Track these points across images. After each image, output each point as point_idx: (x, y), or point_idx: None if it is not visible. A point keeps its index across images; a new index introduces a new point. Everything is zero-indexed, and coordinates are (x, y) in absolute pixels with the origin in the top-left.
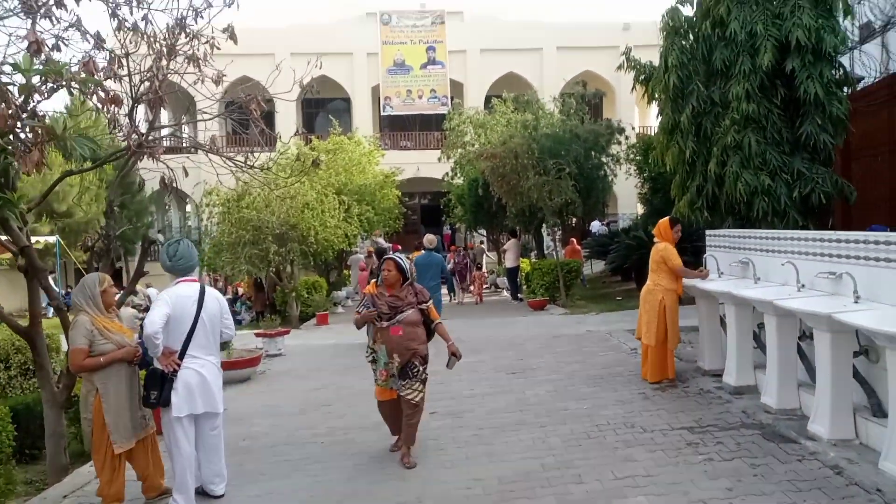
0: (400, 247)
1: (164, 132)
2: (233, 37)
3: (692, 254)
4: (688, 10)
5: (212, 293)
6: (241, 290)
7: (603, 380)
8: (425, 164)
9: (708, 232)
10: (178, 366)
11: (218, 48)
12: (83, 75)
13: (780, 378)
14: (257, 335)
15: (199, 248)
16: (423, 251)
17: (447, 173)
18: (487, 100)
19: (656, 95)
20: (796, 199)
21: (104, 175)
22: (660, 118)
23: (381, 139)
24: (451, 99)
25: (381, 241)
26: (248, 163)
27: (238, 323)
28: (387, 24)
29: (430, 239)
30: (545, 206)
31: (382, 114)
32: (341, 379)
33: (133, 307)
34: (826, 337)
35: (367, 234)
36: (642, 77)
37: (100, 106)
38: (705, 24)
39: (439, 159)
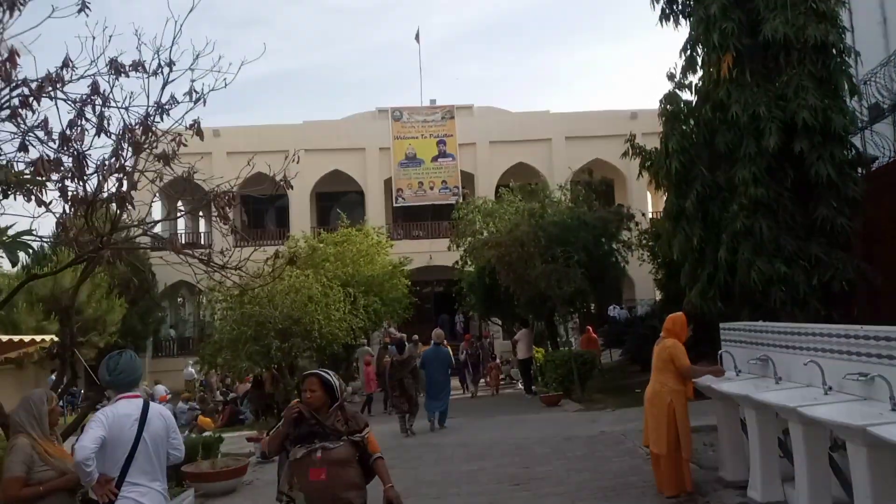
0: (416, 336)
1: (136, 231)
2: (199, 133)
3: (709, 344)
4: (686, 95)
5: (156, 409)
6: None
7: (615, 493)
8: (438, 252)
9: (722, 325)
10: (115, 495)
11: (185, 144)
12: (27, 175)
13: (811, 496)
14: (249, 440)
15: (202, 345)
16: (431, 345)
17: (457, 262)
18: (497, 189)
19: (661, 182)
20: (816, 287)
21: (116, 272)
22: (664, 205)
23: (393, 229)
24: (462, 189)
25: (394, 330)
26: (220, 261)
27: (241, 422)
28: (398, 120)
29: (438, 333)
30: (554, 294)
31: (395, 205)
32: None
33: None
34: (862, 452)
35: (374, 325)
36: (648, 163)
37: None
38: (705, 108)
39: (449, 248)
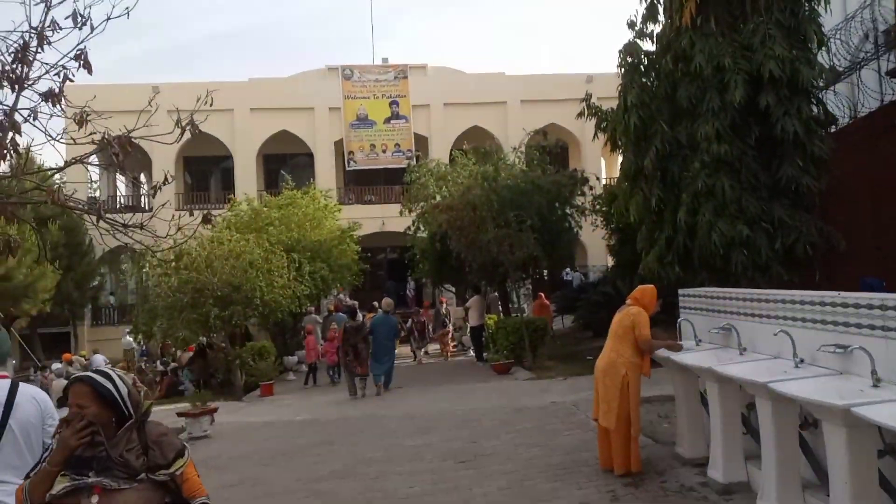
0: (357, 302)
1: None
2: (86, 65)
3: (666, 311)
4: (648, 45)
5: (27, 391)
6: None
7: (566, 471)
8: (390, 217)
9: (681, 292)
10: None
11: (71, 79)
12: None
13: (779, 478)
14: (179, 415)
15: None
16: (379, 312)
17: (409, 227)
18: (451, 153)
19: (618, 141)
20: (779, 251)
21: (50, 237)
22: (621, 164)
23: (344, 194)
24: (416, 153)
25: (344, 297)
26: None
27: (181, 393)
28: (349, 79)
29: (387, 302)
30: (507, 259)
31: (347, 168)
32: (262, 472)
33: (67, 378)
34: (841, 433)
35: (322, 292)
36: (604, 124)
37: None
38: (667, 58)
39: (401, 213)
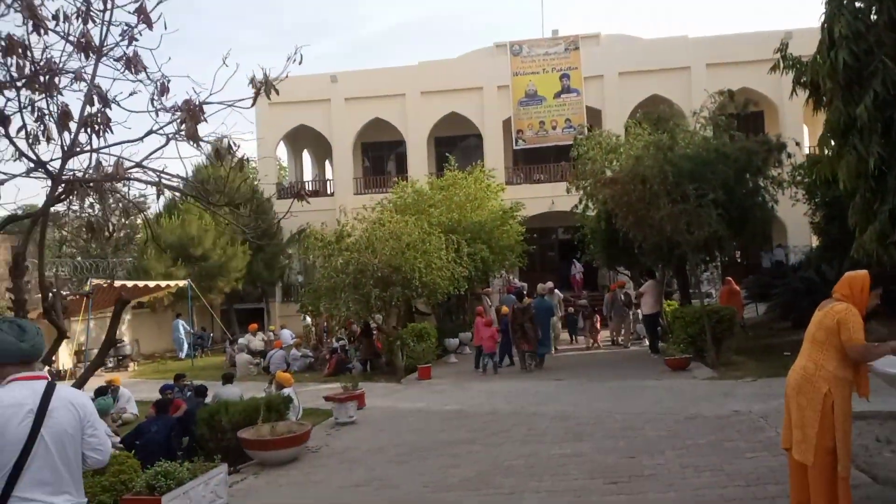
0: (525, 284)
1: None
2: (146, 20)
3: (889, 303)
4: None
5: (65, 396)
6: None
7: None
8: (560, 196)
9: None
10: None
11: (136, 39)
12: None
13: None
14: (326, 399)
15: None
16: (536, 297)
17: (576, 206)
18: (626, 125)
19: (822, 90)
20: None
21: (241, 220)
22: (827, 116)
23: (513, 173)
24: (587, 125)
25: (514, 279)
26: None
27: (348, 371)
28: (517, 55)
29: (543, 287)
30: (683, 240)
31: (515, 147)
32: (392, 472)
33: (249, 352)
34: None
35: (482, 275)
36: (803, 79)
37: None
38: None
39: (568, 190)
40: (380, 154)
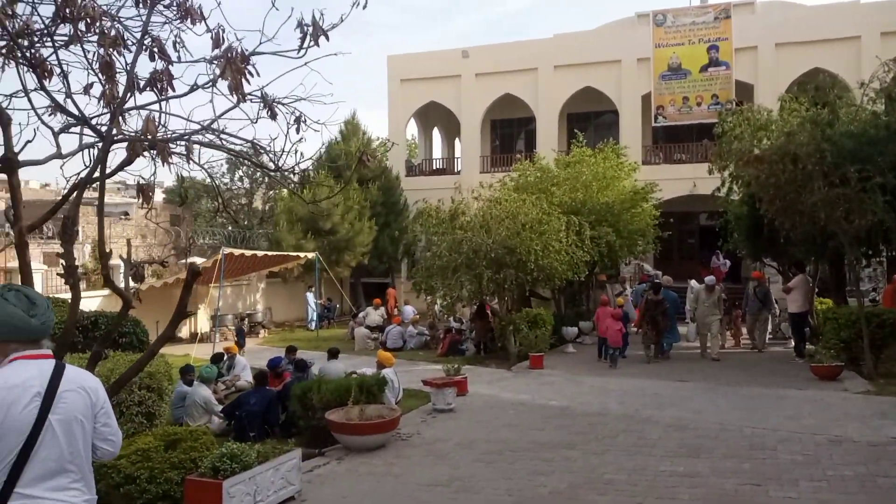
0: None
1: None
2: None
3: None
4: None
5: (75, 378)
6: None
7: None
8: (703, 179)
9: None
10: None
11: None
12: None
13: None
14: (424, 383)
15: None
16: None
17: (718, 188)
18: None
19: None
20: None
21: (369, 195)
22: None
23: (652, 152)
24: (738, 103)
25: (648, 267)
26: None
27: (461, 352)
28: (661, 26)
29: (666, 279)
30: (840, 230)
31: (654, 125)
32: (477, 473)
33: (367, 327)
34: None
35: (608, 260)
36: None
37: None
38: None
39: (710, 171)
40: (509, 131)
